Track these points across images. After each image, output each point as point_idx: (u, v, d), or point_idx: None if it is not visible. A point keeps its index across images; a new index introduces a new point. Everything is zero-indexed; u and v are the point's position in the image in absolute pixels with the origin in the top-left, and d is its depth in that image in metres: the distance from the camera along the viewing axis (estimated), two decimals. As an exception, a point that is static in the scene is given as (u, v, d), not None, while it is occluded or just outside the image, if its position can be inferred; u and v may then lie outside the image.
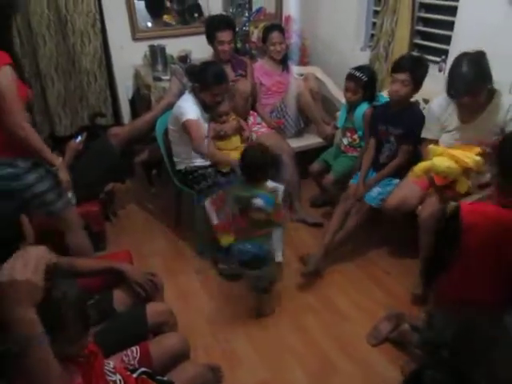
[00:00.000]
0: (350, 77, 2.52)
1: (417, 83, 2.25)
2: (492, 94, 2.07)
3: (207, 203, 2.40)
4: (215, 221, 2.39)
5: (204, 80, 2.40)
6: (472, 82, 1.96)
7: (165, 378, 1.41)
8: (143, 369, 1.40)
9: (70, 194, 2.00)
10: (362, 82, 2.49)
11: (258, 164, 2.03)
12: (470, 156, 2.05)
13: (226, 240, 2.39)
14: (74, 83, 3.27)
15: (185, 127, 2.43)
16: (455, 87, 2.01)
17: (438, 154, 2.13)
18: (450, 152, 2.10)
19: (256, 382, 1.91)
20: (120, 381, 1.26)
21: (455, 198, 2.05)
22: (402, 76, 2.22)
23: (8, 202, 1.40)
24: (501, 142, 1.51)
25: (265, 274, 2.11)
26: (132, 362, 1.45)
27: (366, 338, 2.08)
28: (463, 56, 2.01)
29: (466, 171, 2.07)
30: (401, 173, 2.38)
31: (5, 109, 1.66)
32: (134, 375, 1.35)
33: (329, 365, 1.99)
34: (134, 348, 1.49)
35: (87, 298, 1.13)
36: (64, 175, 1.90)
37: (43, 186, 1.90)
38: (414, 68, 2.23)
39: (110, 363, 1.31)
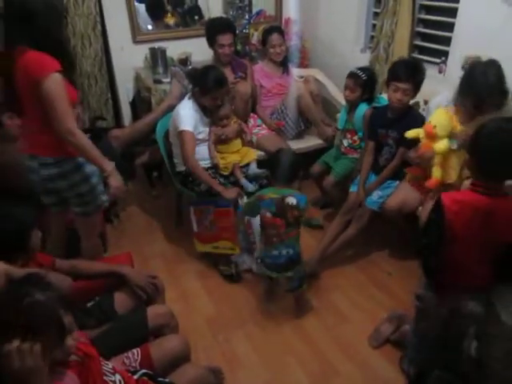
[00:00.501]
0: (350, 74, 2.55)
1: (416, 89, 2.27)
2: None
3: (191, 211, 2.46)
4: (195, 229, 2.49)
5: (204, 84, 2.41)
6: (496, 94, 1.91)
7: (166, 380, 1.41)
8: (144, 370, 1.40)
9: (104, 198, 2.03)
10: (361, 80, 2.50)
11: (290, 166, 2.08)
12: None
13: (200, 248, 2.54)
14: (75, 86, 3.27)
15: (179, 136, 2.46)
16: (478, 97, 1.91)
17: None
18: (450, 112, 2.09)
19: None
20: (120, 381, 1.27)
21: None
22: (404, 85, 2.22)
23: (27, 210, 1.41)
24: (477, 129, 1.51)
25: (297, 273, 2.14)
26: (133, 365, 1.45)
27: (367, 340, 2.08)
28: (485, 66, 1.94)
29: (452, 135, 2.06)
30: (400, 174, 2.38)
31: (55, 116, 1.70)
32: (135, 377, 1.35)
33: (329, 367, 1.99)
34: (135, 350, 1.49)
35: (62, 305, 1.08)
36: (114, 181, 1.85)
37: (86, 187, 1.95)
38: (414, 77, 2.23)
39: (109, 364, 1.31)
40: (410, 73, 2.22)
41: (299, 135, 3.18)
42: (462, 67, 2.37)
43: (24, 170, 1.90)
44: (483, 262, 1.55)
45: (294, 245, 2.09)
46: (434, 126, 2.07)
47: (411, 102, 2.38)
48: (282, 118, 3.07)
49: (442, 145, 2.05)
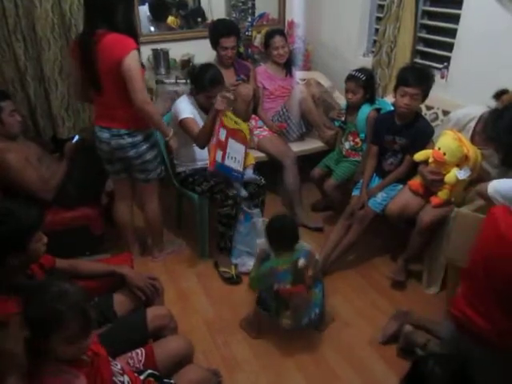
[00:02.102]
0: (350, 77, 2.55)
1: (425, 96, 2.26)
2: None
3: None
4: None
5: (199, 82, 2.41)
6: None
7: (171, 381, 1.41)
8: (150, 371, 1.40)
9: (162, 168, 2.43)
10: (361, 82, 2.51)
11: (291, 230, 2.03)
12: (473, 148, 2.10)
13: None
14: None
15: (182, 127, 2.42)
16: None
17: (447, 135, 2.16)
18: (459, 136, 2.12)
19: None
20: (128, 382, 1.27)
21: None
22: (414, 90, 2.20)
23: (31, 212, 1.42)
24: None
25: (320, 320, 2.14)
26: (137, 365, 1.45)
27: (376, 339, 2.09)
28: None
29: (461, 161, 2.11)
30: (404, 179, 2.38)
31: (135, 88, 2.01)
32: (142, 377, 1.36)
33: (329, 371, 1.97)
34: (138, 351, 1.50)
35: (89, 300, 1.13)
36: (174, 143, 2.32)
37: (150, 155, 2.30)
38: (425, 82, 2.22)
39: (118, 364, 1.31)
40: (419, 78, 2.22)
41: (301, 137, 3.17)
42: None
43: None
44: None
45: (320, 300, 2.07)
46: (444, 153, 2.08)
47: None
48: (283, 120, 3.07)
49: (452, 177, 2.11)
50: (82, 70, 2.13)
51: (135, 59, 2.01)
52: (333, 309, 2.27)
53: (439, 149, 2.12)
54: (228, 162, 2.36)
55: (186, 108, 2.45)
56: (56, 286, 1.09)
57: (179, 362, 1.53)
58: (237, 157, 2.43)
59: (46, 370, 1.08)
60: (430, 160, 2.18)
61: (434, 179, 2.17)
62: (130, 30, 2.06)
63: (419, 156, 2.23)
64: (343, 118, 2.74)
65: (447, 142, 2.11)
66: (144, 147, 2.25)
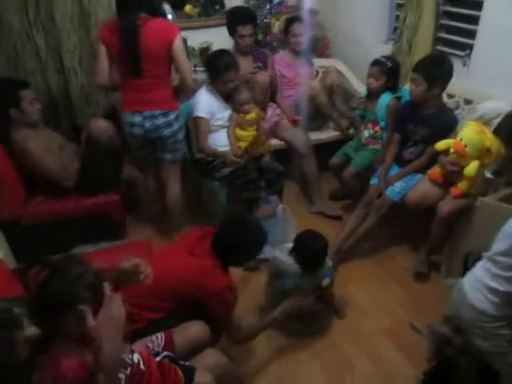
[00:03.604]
0: (375, 62, 2.51)
1: (431, 82, 2.17)
2: None
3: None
4: None
5: (213, 68, 2.43)
6: None
7: (187, 363, 1.44)
8: (166, 353, 1.43)
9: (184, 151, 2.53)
10: (386, 68, 2.47)
11: (321, 252, 2.02)
12: (497, 142, 2.04)
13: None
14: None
15: (193, 122, 2.49)
16: None
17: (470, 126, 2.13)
18: (483, 128, 2.08)
19: (271, 375, 1.92)
20: (138, 360, 1.29)
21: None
22: (414, 76, 2.20)
23: None
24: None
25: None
26: (156, 349, 1.48)
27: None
28: None
29: (483, 154, 2.06)
30: (424, 169, 2.35)
31: (185, 68, 2.24)
32: (158, 358, 1.38)
33: (345, 359, 1.98)
34: (159, 335, 1.52)
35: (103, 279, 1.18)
36: None
37: (181, 135, 2.43)
38: (426, 68, 2.17)
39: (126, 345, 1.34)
40: (421, 64, 2.19)
41: (318, 128, 3.15)
42: None
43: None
44: None
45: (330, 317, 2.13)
46: (465, 145, 2.04)
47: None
48: (299, 111, 3.05)
49: (471, 171, 2.07)
50: (116, 55, 2.21)
51: (181, 40, 2.22)
52: (350, 297, 2.27)
53: (461, 140, 2.08)
54: None
55: (203, 104, 2.46)
56: (74, 269, 1.12)
57: (197, 346, 1.55)
58: None
59: (58, 350, 1.10)
60: (451, 150, 2.14)
61: (453, 170, 2.14)
62: (165, 15, 2.24)
63: (440, 145, 2.19)
64: (363, 107, 2.70)
65: (470, 133, 2.07)
66: (177, 126, 2.36)
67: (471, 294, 1.54)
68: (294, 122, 3.02)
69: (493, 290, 1.49)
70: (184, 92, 2.38)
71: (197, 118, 2.46)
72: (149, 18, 2.14)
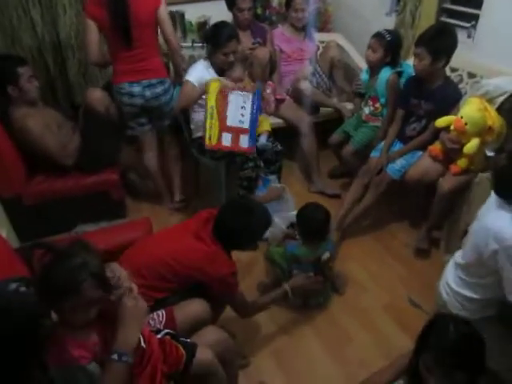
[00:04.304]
0: (375, 34, 2.47)
1: (436, 56, 2.12)
2: None
3: None
4: None
5: (214, 39, 2.37)
6: None
7: (188, 340, 1.45)
8: (167, 330, 1.45)
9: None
10: (385, 41, 2.42)
11: (324, 225, 2.00)
12: (499, 120, 2.02)
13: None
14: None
15: (182, 86, 2.44)
16: None
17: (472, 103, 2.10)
18: (486, 105, 2.05)
19: (271, 350, 1.96)
20: (139, 338, 1.31)
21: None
22: (417, 50, 2.15)
23: None
24: None
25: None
26: (158, 326, 1.50)
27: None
28: None
29: (484, 132, 2.04)
30: (425, 146, 2.33)
31: (170, 31, 2.39)
32: (159, 336, 1.40)
33: (343, 333, 2.02)
34: (160, 312, 1.54)
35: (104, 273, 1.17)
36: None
37: (173, 102, 2.52)
38: (430, 41, 2.11)
39: None
40: (425, 37, 2.14)
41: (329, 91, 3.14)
42: None
43: None
44: None
45: (327, 291, 2.15)
46: (466, 123, 2.01)
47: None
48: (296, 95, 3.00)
49: (471, 148, 2.06)
50: (107, 28, 2.26)
51: (165, 8, 2.36)
52: (349, 273, 2.29)
53: (461, 117, 2.05)
54: (235, 123, 2.31)
55: (197, 73, 2.40)
56: (79, 257, 1.11)
57: (198, 324, 1.56)
58: (245, 106, 2.33)
59: (61, 332, 1.12)
60: (452, 128, 2.12)
61: (453, 147, 2.12)
62: None
63: (441, 122, 2.17)
64: (361, 90, 2.70)
65: (471, 111, 2.04)
66: (171, 93, 2.51)
67: (450, 303, 1.62)
68: (281, 101, 2.97)
69: (469, 299, 1.56)
70: (172, 56, 2.50)
71: (186, 81, 2.40)
72: None
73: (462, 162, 2.12)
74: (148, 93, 2.42)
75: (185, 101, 2.40)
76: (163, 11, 2.33)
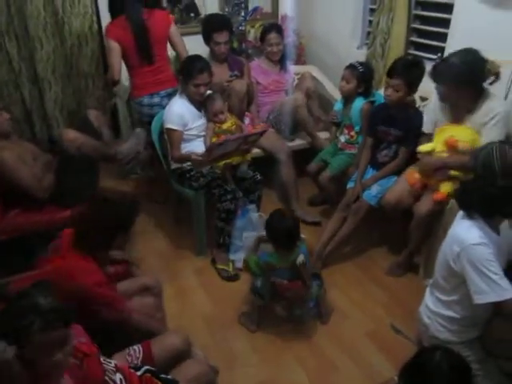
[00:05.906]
0: (348, 66, 2.56)
1: (411, 87, 2.24)
2: (484, 96, 2.04)
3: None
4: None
5: (186, 71, 2.43)
6: (455, 74, 1.96)
7: (169, 377, 1.41)
8: (147, 367, 1.40)
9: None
10: (358, 72, 2.51)
11: (292, 231, 1.97)
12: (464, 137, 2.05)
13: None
14: (72, 86, 3.28)
15: (166, 133, 2.52)
16: (438, 73, 2.02)
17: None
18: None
19: (256, 382, 1.91)
20: (121, 380, 1.26)
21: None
22: (394, 81, 2.22)
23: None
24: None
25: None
26: (135, 362, 1.45)
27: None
28: (459, 50, 2.02)
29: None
30: (399, 171, 2.38)
31: (182, 45, 2.81)
32: (139, 373, 1.35)
33: (328, 363, 1.99)
34: (136, 347, 1.50)
35: (62, 310, 1.09)
36: None
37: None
38: (406, 73, 2.21)
39: (112, 362, 1.31)
40: (401, 69, 2.22)
41: (295, 134, 3.16)
42: None
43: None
44: None
45: (316, 294, 2.11)
46: (457, 140, 2.05)
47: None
48: (278, 120, 3.03)
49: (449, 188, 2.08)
50: (130, 48, 2.63)
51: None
52: (331, 301, 2.28)
53: (452, 136, 2.07)
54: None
55: (175, 115, 2.45)
56: (28, 299, 1.05)
57: (177, 357, 1.53)
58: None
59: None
60: (440, 149, 2.12)
61: (443, 178, 2.12)
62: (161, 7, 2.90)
63: (424, 148, 2.17)
64: (337, 120, 2.77)
65: (460, 130, 2.07)
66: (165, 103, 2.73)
67: (432, 326, 1.64)
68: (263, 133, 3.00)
69: (450, 319, 1.58)
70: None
71: (168, 129, 2.47)
72: (151, 11, 2.65)
73: (446, 187, 2.10)
74: (165, 102, 2.68)
75: (177, 148, 2.48)
76: (174, 29, 2.76)
